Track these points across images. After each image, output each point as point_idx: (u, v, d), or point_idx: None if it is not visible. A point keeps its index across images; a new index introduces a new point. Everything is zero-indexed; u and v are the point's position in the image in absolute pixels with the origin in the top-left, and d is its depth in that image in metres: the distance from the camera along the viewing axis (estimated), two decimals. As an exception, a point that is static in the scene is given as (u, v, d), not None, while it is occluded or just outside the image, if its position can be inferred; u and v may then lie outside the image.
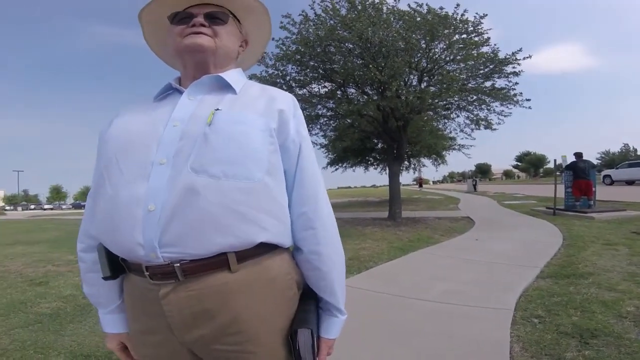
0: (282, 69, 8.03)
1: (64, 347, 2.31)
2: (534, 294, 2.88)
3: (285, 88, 8.23)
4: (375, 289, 3.23)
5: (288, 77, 8.22)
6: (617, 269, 3.38)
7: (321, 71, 7.89)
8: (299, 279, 0.78)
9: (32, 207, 72.34)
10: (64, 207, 70.68)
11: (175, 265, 0.63)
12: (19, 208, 64.29)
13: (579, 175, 8.57)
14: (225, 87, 0.77)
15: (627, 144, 57.17)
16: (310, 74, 8.07)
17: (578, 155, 8.84)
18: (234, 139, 0.67)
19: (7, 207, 60.50)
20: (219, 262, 0.65)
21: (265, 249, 0.70)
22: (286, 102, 0.77)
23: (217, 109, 0.70)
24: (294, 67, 8.04)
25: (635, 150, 55.13)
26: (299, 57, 7.57)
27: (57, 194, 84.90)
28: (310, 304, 0.77)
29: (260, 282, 0.69)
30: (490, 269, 3.81)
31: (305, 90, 8.54)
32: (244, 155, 0.67)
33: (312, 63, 7.77)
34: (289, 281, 0.74)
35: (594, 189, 8.70)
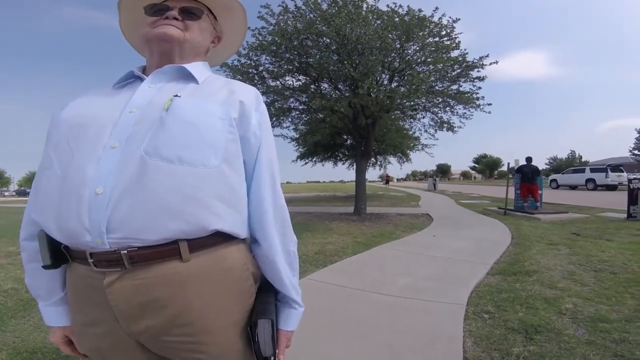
0: (255, 59, 7.85)
1: (6, 344, 2.17)
2: (485, 289, 3.06)
3: (257, 79, 8.05)
4: (338, 283, 3.29)
5: (261, 68, 8.04)
6: (558, 268, 3.68)
7: (296, 64, 7.79)
8: (255, 270, 0.77)
9: (-30, 194, 65.38)
10: (6, 194, 64.99)
11: (122, 252, 0.60)
12: (-45, 195, 57.96)
13: (524, 179, 9.29)
14: (188, 77, 0.76)
15: (574, 151, 62.16)
16: (285, 66, 7.94)
17: (527, 159, 9.51)
18: (191, 124, 0.66)
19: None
20: (169, 250, 0.63)
21: (220, 238, 0.68)
22: (248, 94, 0.77)
23: (176, 95, 0.69)
24: (268, 57, 7.89)
25: (581, 157, 60.29)
26: (274, 48, 7.43)
27: None
28: (269, 295, 0.77)
29: (214, 273, 0.67)
30: (445, 264, 4.01)
31: (278, 82, 8.40)
32: (201, 140, 0.66)
33: (287, 55, 7.65)
34: (244, 272, 0.73)
35: (540, 192, 9.43)
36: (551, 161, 64.32)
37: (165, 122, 0.65)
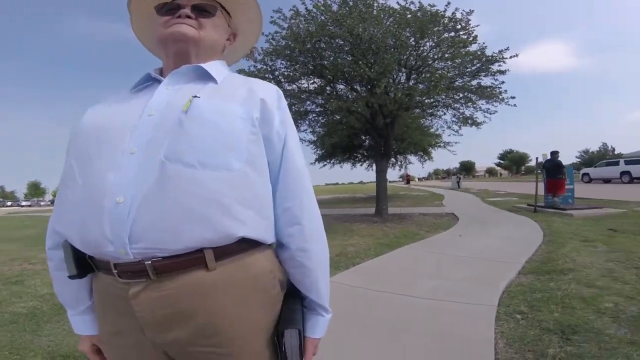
0: (270, 64, 7.95)
1: (41, 348, 2.24)
2: (517, 289, 2.94)
3: (274, 83, 8.12)
4: (362, 285, 3.24)
5: (277, 72, 8.14)
6: (595, 266, 3.49)
7: (311, 67, 7.83)
8: (282, 277, 0.74)
9: (9, 204, 69.80)
10: (42, 203, 68.61)
11: (146, 262, 0.58)
12: (-5, 205, 62.13)
13: (548, 174, 8.92)
14: (206, 77, 0.73)
15: (606, 144, 59.54)
16: (300, 70, 8.00)
17: (552, 153, 9.10)
18: (212, 126, 0.63)
19: (-18, 205, 58.31)
20: (194, 259, 0.61)
21: (246, 245, 0.66)
22: (269, 92, 0.74)
23: (195, 96, 0.66)
24: (283, 62, 7.97)
25: (613, 149, 57.34)
26: (288, 52, 7.50)
27: (35, 191, 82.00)
28: (295, 302, 0.74)
29: (241, 281, 0.65)
30: (474, 265, 3.87)
31: (294, 85, 8.47)
32: (222, 143, 0.63)
33: (301, 58, 7.69)
34: (271, 280, 0.70)
35: (571, 187, 9.02)
36: (582, 154, 61.49)
37: (185, 125, 0.62)
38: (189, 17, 0.73)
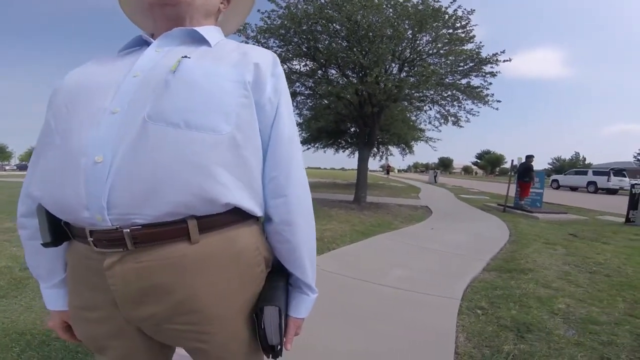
0: (263, 41, 7.72)
1: None
2: (480, 285, 3.09)
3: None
4: (335, 271, 3.32)
5: (269, 51, 7.90)
6: (553, 267, 3.72)
7: (304, 49, 7.68)
8: (267, 255, 0.72)
9: (-32, 169, 65.33)
10: (7, 168, 64.52)
11: (124, 230, 0.55)
12: (-46, 169, 58.03)
13: (518, 176, 9.37)
14: (199, 40, 0.69)
15: (578, 153, 62.29)
16: (293, 50, 7.82)
17: (527, 157, 9.45)
18: (200, 87, 0.60)
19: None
20: (177, 230, 0.57)
21: (233, 217, 0.63)
22: (264, 56, 0.69)
23: (185, 57, 0.62)
24: (276, 41, 7.76)
25: (584, 159, 60.20)
26: (283, 32, 7.31)
27: (0, 154, 76.69)
28: (279, 280, 0.72)
29: (224, 256, 0.62)
30: (442, 258, 4.04)
31: (285, 66, 8.28)
32: (210, 103, 0.59)
33: (295, 39, 7.53)
34: (256, 257, 0.68)
35: (537, 191, 9.50)
36: (554, 161, 64.18)
37: (171, 85, 0.58)
38: None
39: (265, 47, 7.81)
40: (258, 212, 0.67)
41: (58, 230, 0.61)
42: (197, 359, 0.69)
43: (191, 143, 0.57)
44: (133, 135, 0.55)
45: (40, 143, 0.64)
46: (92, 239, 0.57)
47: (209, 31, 0.71)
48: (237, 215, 0.64)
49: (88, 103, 0.59)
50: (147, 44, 0.68)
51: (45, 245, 0.61)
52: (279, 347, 0.68)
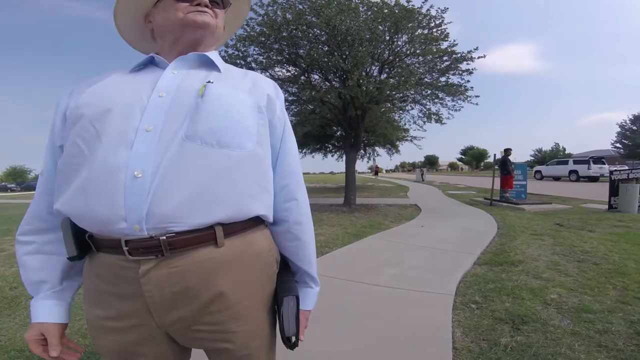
0: (243, 49, 7.71)
1: None
2: (472, 280, 3.11)
3: (245, 69, 7.90)
4: (330, 274, 3.31)
5: (249, 59, 7.89)
6: (542, 258, 3.78)
7: (286, 55, 7.69)
8: (277, 256, 0.80)
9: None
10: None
11: (161, 238, 0.60)
12: None
13: (500, 170, 9.60)
14: (210, 65, 0.78)
15: (558, 144, 63.82)
16: (274, 57, 7.83)
17: (505, 151, 9.70)
18: (227, 110, 0.68)
19: None
20: (206, 235, 0.64)
21: (250, 223, 0.71)
22: (271, 85, 0.81)
23: (209, 82, 0.70)
24: (256, 49, 7.76)
25: (564, 149, 61.92)
26: (263, 39, 7.31)
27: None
28: (288, 275, 0.81)
29: (245, 258, 0.69)
30: (434, 254, 4.07)
31: (267, 73, 8.26)
32: (236, 124, 0.68)
33: (276, 46, 7.54)
34: (270, 257, 0.76)
35: (520, 183, 9.79)
36: (536, 153, 65.78)
37: (201, 108, 0.66)
38: (206, 6, 0.76)
39: (246, 55, 7.83)
40: (271, 217, 0.76)
41: (82, 245, 0.66)
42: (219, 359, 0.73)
43: (223, 160, 0.65)
44: (173, 153, 0.62)
45: (67, 163, 0.65)
46: (127, 248, 0.61)
47: (215, 56, 0.79)
48: (254, 221, 0.72)
49: (116, 121, 0.64)
50: (154, 64, 0.75)
51: (70, 259, 0.67)
52: (294, 339, 0.76)
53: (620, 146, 41.14)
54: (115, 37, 0.90)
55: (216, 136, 0.65)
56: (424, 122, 9.89)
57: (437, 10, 7.53)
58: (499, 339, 2.02)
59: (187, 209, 0.61)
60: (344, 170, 10.26)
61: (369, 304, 2.60)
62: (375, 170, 45.96)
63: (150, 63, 0.76)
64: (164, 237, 0.60)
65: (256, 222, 0.73)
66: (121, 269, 0.63)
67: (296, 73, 8.25)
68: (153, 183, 0.59)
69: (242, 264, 0.69)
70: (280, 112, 0.79)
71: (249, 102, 0.72)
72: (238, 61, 7.73)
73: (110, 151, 0.61)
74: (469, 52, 7.79)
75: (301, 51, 7.48)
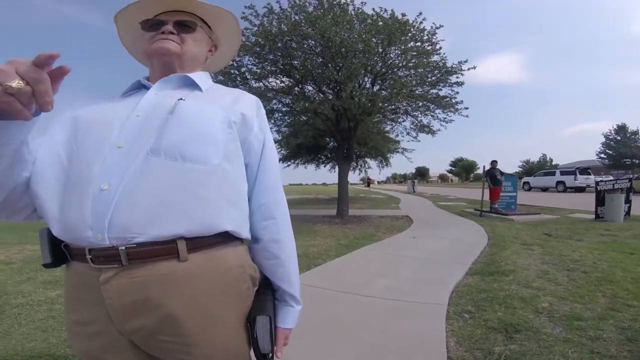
0: (238, 59, 7.76)
1: None
2: (464, 290, 3.13)
3: (240, 79, 7.95)
4: (323, 286, 3.29)
5: (244, 69, 7.95)
6: (532, 267, 3.82)
7: (280, 66, 7.77)
8: (253, 273, 0.78)
9: None
10: None
11: (120, 248, 0.62)
12: None
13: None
14: (192, 85, 0.80)
15: (545, 155, 65.14)
16: (269, 68, 7.90)
17: (491, 163, 9.86)
18: (194, 124, 0.69)
19: None
20: (167, 249, 0.64)
21: (220, 239, 0.70)
22: (250, 102, 0.82)
23: (180, 99, 0.72)
24: (251, 59, 7.83)
25: (551, 160, 63.18)
26: (257, 49, 7.39)
27: None
28: (267, 294, 0.79)
29: (211, 274, 0.68)
30: (426, 265, 4.08)
31: (261, 83, 8.33)
32: (201, 138, 0.68)
33: (271, 57, 7.62)
34: (241, 274, 0.74)
35: (510, 194, 9.95)
36: (524, 164, 66.98)
37: (169, 123, 0.68)
38: (171, 32, 0.79)
39: (240, 65, 7.87)
40: (244, 234, 0.75)
41: (57, 253, 0.69)
42: None
43: (187, 173, 0.66)
44: (136, 166, 0.64)
45: (49, 171, 0.68)
46: (90, 256, 0.63)
47: (200, 77, 0.82)
48: (223, 237, 0.71)
49: (95, 138, 0.67)
50: (146, 87, 0.79)
51: (45, 266, 0.70)
52: (270, 355, 0.75)
53: (604, 156, 42.08)
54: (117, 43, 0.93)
55: (180, 150, 0.66)
56: (417, 133, 10.05)
57: (431, 25, 7.75)
58: (493, 348, 2.03)
59: (146, 219, 0.62)
60: (336, 181, 10.29)
61: (362, 315, 2.59)
62: (368, 182, 46.25)
63: (142, 86, 0.81)
64: (123, 247, 0.61)
65: (226, 238, 0.71)
66: (87, 276, 0.65)
67: (290, 84, 8.33)
68: (116, 195, 0.62)
69: (207, 280, 0.68)
70: (259, 130, 0.79)
71: (219, 117, 0.72)
72: (232, 71, 7.78)
73: (86, 165, 0.65)
74: (459, 62, 7.99)
75: (295, 62, 7.57)
